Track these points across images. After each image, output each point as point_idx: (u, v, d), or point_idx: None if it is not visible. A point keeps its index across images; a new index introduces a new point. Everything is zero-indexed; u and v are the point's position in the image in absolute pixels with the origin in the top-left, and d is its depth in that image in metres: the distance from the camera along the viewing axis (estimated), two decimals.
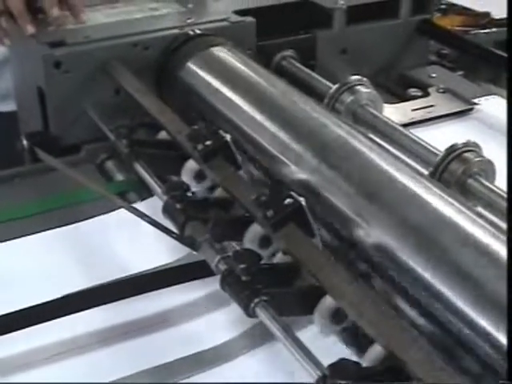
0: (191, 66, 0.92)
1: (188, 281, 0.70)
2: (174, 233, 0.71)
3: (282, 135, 0.76)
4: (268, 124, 0.78)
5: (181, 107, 0.91)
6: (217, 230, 0.68)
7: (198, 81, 0.90)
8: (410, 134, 0.86)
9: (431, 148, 0.82)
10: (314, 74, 1.01)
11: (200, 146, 0.72)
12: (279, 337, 0.58)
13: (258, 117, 0.80)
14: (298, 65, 1.04)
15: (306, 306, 0.63)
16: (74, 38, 0.93)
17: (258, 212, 0.63)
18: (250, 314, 0.61)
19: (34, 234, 0.82)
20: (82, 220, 0.83)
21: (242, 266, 0.62)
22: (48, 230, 0.82)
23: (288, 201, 0.63)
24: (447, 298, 0.55)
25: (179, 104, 0.92)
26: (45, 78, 0.92)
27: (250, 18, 1.00)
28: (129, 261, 0.77)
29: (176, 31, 0.96)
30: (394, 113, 1.01)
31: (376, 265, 0.62)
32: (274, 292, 0.62)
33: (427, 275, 0.57)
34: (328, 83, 0.96)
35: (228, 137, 0.73)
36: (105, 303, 0.68)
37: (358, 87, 0.92)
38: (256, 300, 0.60)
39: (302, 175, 0.71)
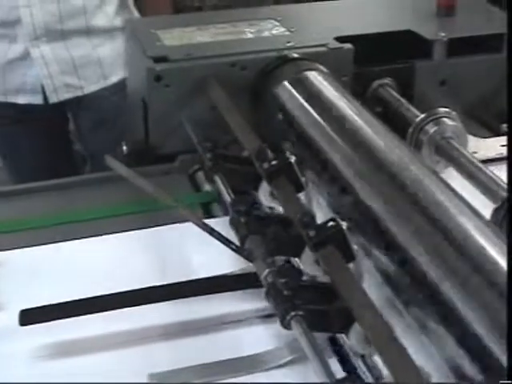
0: (284, 88, 0.96)
1: (242, 289, 0.75)
2: (234, 244, 0.75)
3: (359, 164, 0.77)
4: (347, 152, 0.80)
5: (272, 128, 0.96)
6: (271, 244, 0.73)
7: (288, 103, 0.94)
8: (487, 171, 0.86)
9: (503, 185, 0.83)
10: (406, 104, 1.03)
11: (266, 165, 0.77)
12: (306, 351, 0.62)
13: (339, 144, 0.82)
14: (394, 93, 1.06)
15: (342, 325, 0.67)
16: (176, 55, 1.00)
17: (302, 231, 0.67)
18: (286, 326, 0.65)
19: (117, 232, 0.89)
20: (163, 225, 0.89)
21: (283, 280, 0.66)
22: (131, 230, 0.89)
23: (331, 223, 0.67)
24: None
25: (271, 124, 0.97)
26: (147, 90, 0.99)
27: (348, 45, 1.04)
28: (197, 266, 0.82)
29: (274, 54, 1.01)
30: (483, 146, 1.02)
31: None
32: (311, 308, 0.65)
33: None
34: (419, 114, 0.98)
35: (293, 158, 0.77)
36: (165, 300, 0.74)
37: (444, 119, 0.94)
38: (292, 313, 0.64)
39: (371, 204, 0.72)
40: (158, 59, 0.99)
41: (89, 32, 1.59)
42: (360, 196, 0.74)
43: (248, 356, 0.70)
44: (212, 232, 0.75)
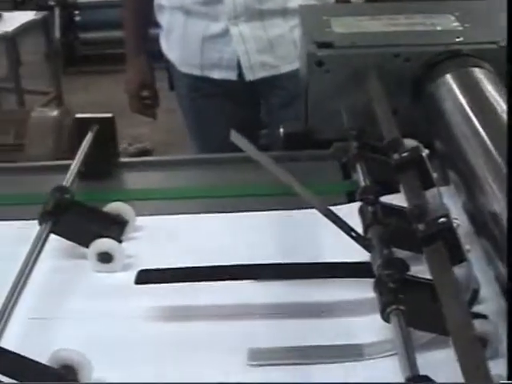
0: (443, 83, 0.94)
1: (357, 277, 0.74)
2: (355, 232, 0.75)
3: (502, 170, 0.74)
4: (493, 155, 0.77)
5: (427, 121, 0.94)
6: (392, 236, 0.72)
7: (446, 98, 0.92)
8: None
9: None
10: None
11: (396, 156, 0.75)
12: (398, 346, 0.61)
13: (487, 145, 0.79)
14: None
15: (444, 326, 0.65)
16: (341, 42, 1.00)
17: (413, 224, 0.66)
18: (385, 318, 0.64)
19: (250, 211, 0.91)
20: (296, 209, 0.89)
21: (387, 272, 0.65)
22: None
23: (442, 220, 0.65)
24: None
25: (427, 117, 0.95)
26: (307, 75, 1.00)
27: None
28: (324, 252, 0.82)
29: (439, 48, 0.98)
30: None
31: None
32: (413, 304, 0.64)
33: None
34: None
35: (425, 152, 0.75)
36: (279, 279, 0.77)
37: None
38: (393, 307, 0.63)
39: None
40: (322, 45, 1.00)
41: (285, 13, 1.63)
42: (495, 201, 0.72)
43: (349, 344, 0.70)
44: (334, 219, 0.75)
